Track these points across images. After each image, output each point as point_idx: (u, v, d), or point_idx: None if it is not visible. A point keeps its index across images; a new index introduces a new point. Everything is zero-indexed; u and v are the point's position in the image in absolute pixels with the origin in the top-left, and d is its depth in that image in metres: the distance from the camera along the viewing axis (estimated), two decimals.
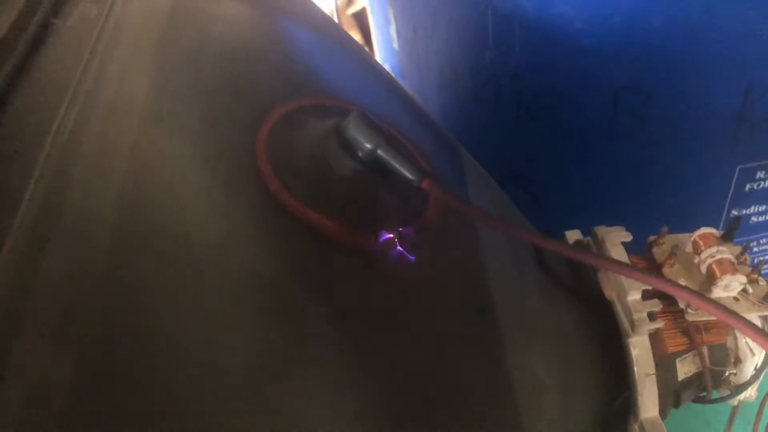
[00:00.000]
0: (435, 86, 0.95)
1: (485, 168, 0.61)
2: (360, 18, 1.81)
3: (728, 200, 0.86)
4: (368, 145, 0.37)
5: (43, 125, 0.34)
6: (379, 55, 1.17)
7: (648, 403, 0.49)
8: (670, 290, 0.40)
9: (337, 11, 1.70)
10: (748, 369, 0.52)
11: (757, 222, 0.90)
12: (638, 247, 0.57)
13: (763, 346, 0.37)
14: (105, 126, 0.35)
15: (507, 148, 0.87)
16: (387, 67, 1.13)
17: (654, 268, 0.53)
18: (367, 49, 1.53)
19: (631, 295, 0.48)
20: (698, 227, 0.53)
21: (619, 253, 0.52)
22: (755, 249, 0.94)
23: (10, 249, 0.28)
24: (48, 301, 0.28)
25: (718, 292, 0.49)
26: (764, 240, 0.93)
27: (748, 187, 0.84)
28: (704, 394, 0.54)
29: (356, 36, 1.79)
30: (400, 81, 1.04)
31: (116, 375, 0.28)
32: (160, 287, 0.30)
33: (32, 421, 0.25)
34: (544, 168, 0.87)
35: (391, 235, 0.38)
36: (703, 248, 0.51)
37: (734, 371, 0.53)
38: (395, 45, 1.01)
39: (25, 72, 0.36)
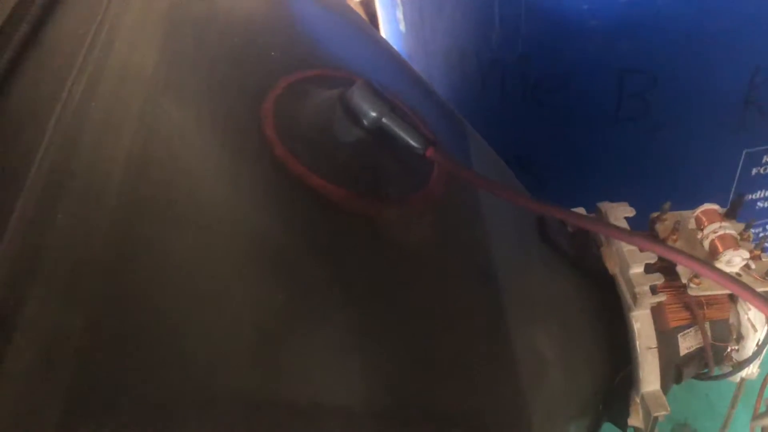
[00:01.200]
0: (441, 69, 0.95)
1: None
2: (367, 6, 1.80)
3: (734, 184, 0.85)
4: (373, 113, 0.37)
5: (54, 91, 0.34)
6: (386, 39, 1.17)
7: (649, 376, 0.49)
8: (675, 257, 0.38)
9: None
10: (750, 345, 0.52)
11: (763, 207, 0.89)
12: (642, 229, 0.57)
13: (766, 314, 0.37)
14: (114, 92, 0.35)
15: (513, 131, 0.87)
16: None
17: None
18: None
19: (633, 268, 0.48)
20: None
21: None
22: (761, 234, 0.94)
23: (23, 208, 0.29)
24: (59, 259, 0.28)
25: (720, 267, 0.49)
26: None
27: (754, 171, 0.84)
28: (706, 370, 0.55)
29: None
30: None
31: (124, 329, 0.28)
32: (166, 247, 0.31)
33: (44, 368, 0.26)
34: (549, 151, 0.87)
35: (395, 202, 0.38)
36: (706, 224, 0.51)
37: (736, 347, 0.53)
38: (402, 28, 1.01)
39: (37, 40, 0.37)
